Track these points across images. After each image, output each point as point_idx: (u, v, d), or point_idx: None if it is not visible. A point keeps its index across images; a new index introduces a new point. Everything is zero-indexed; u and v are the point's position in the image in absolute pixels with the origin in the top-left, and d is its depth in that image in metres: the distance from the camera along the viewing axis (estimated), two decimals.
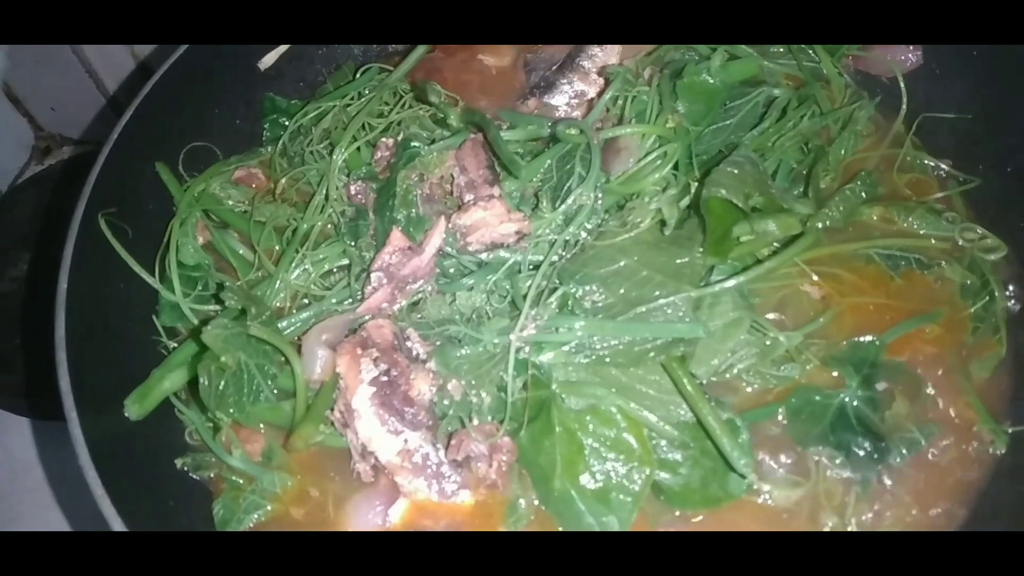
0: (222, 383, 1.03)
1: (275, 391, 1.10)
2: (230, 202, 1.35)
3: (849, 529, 1.03)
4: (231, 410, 1.05)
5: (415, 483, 1.02)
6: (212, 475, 1.13)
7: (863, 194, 1.21)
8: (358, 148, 1.29)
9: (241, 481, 1.10)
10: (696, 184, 1.12)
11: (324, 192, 1.26)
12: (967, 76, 1.31)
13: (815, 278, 1.14)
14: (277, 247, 1.29)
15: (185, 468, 1.11)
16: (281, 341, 1.08)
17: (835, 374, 1.10)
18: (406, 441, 1.01)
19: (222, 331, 1.01)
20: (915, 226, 1.23)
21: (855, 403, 1.08)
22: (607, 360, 1.02)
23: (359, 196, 1.24)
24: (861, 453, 1.05)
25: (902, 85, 1.35)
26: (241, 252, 1.29)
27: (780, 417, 1.08)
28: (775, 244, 1.11)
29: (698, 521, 1.03)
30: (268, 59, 1.49)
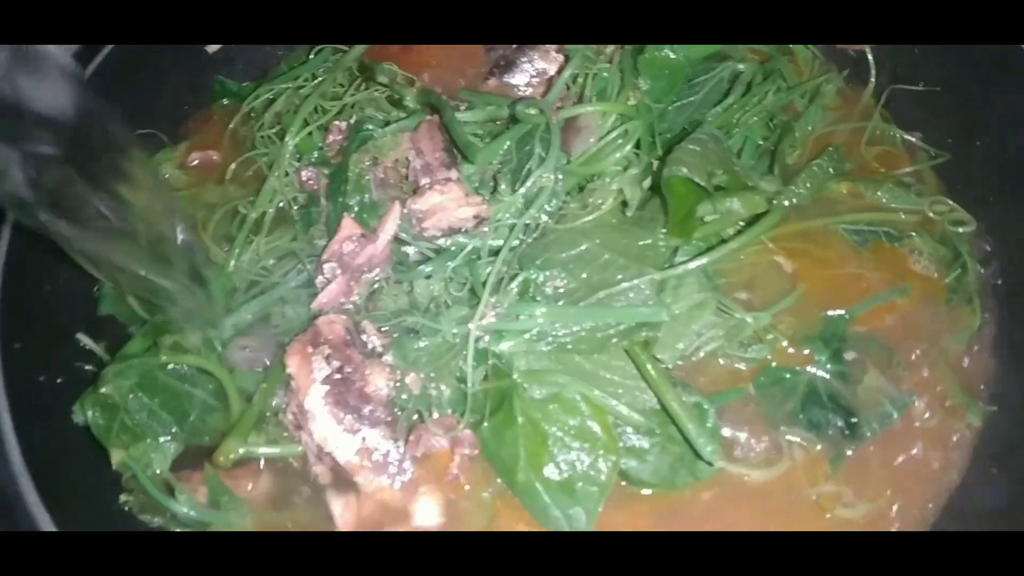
0: (148, 411, 1.02)
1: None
2: (180, 189, 1.30)
3: (823, 506, 1.01)
4: (174, 429, 1.03)
5: (376, 482, 0.98)
6: (158, 521, 1.04)
7: (830, 170, 1.19)
8: (310, 132, 1.24)
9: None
10: (658, 163, 1.08)
11: (275, 178, 1.21)
12: (935, 49, 1.28)
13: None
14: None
15: (129, 508, 1.04)
16: (203, 361, 1.06)
17: (806, 351, 1.08)
18: (364, 439, 0.97)
19: (124, 367, 1.00)
20: (884, 200, 1.21)
21: (826, 378, 1.06)
22: (569, 347, 0.99)
23: (311, 182, 1.20)
24: (832, 430, 1.03)
25: (870, 58, 1.32)
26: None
27: (751, 395, 1.05)
28: (741, 223, 1.08)
29: (670, 502, 1.00)
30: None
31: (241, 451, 1.02)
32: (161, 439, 1.04)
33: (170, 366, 1.06)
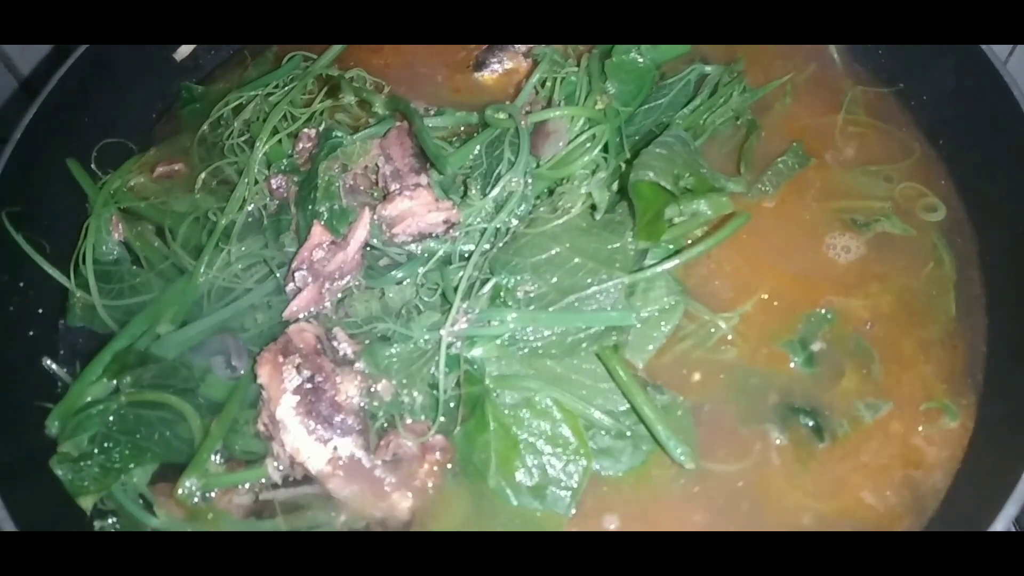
0: (127, 446, 1.01)
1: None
2: (149, 198, 1.29)
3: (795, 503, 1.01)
4: (154, 451, 1.02)
5: (348, 491, 0.98)
6: None
7: (796, 166, 1.20)
8: (279, 140, 1.23)
9: None
10: (626, 166, 1.09)
11: (244, 187, 1.20)
12: (898, 49, 1.29)
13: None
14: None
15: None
16: (165, 397, 1.05)
17: (782, 350, 1.09)
18: (336, 449, 0.97)
19: (82, 419, 1.01)
20: (851, 188, 1.21)
21: (801, 379, 1.07)
22: (540, 352, 0.99)
23: (280, 190, 1.19)
24: (803, 430, 1.04)
25: (836, 57, 1.34)
26: (156, 245, 1.24)
27: (725, 394, 1.06)
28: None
29: (643, 499, 1.00)
30: (184, 50, 1.42)
31: (198, 488, 1.00)
32: (141, 465, 1.03)
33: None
